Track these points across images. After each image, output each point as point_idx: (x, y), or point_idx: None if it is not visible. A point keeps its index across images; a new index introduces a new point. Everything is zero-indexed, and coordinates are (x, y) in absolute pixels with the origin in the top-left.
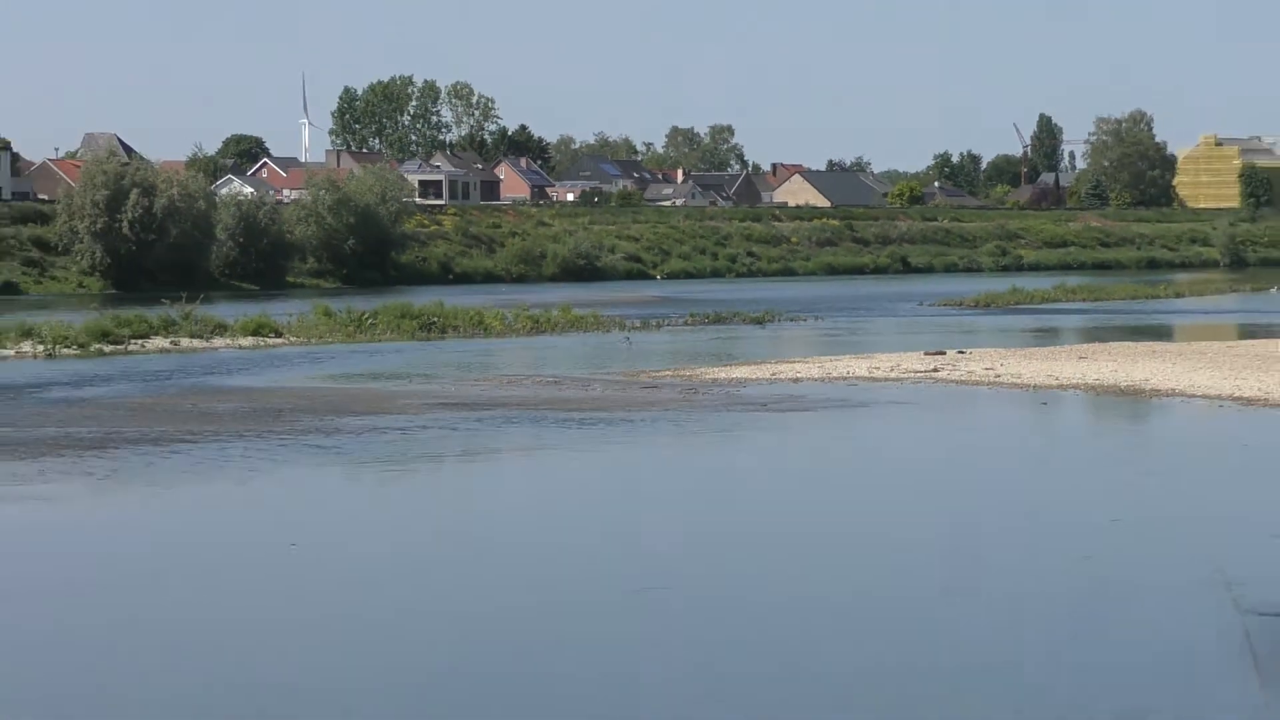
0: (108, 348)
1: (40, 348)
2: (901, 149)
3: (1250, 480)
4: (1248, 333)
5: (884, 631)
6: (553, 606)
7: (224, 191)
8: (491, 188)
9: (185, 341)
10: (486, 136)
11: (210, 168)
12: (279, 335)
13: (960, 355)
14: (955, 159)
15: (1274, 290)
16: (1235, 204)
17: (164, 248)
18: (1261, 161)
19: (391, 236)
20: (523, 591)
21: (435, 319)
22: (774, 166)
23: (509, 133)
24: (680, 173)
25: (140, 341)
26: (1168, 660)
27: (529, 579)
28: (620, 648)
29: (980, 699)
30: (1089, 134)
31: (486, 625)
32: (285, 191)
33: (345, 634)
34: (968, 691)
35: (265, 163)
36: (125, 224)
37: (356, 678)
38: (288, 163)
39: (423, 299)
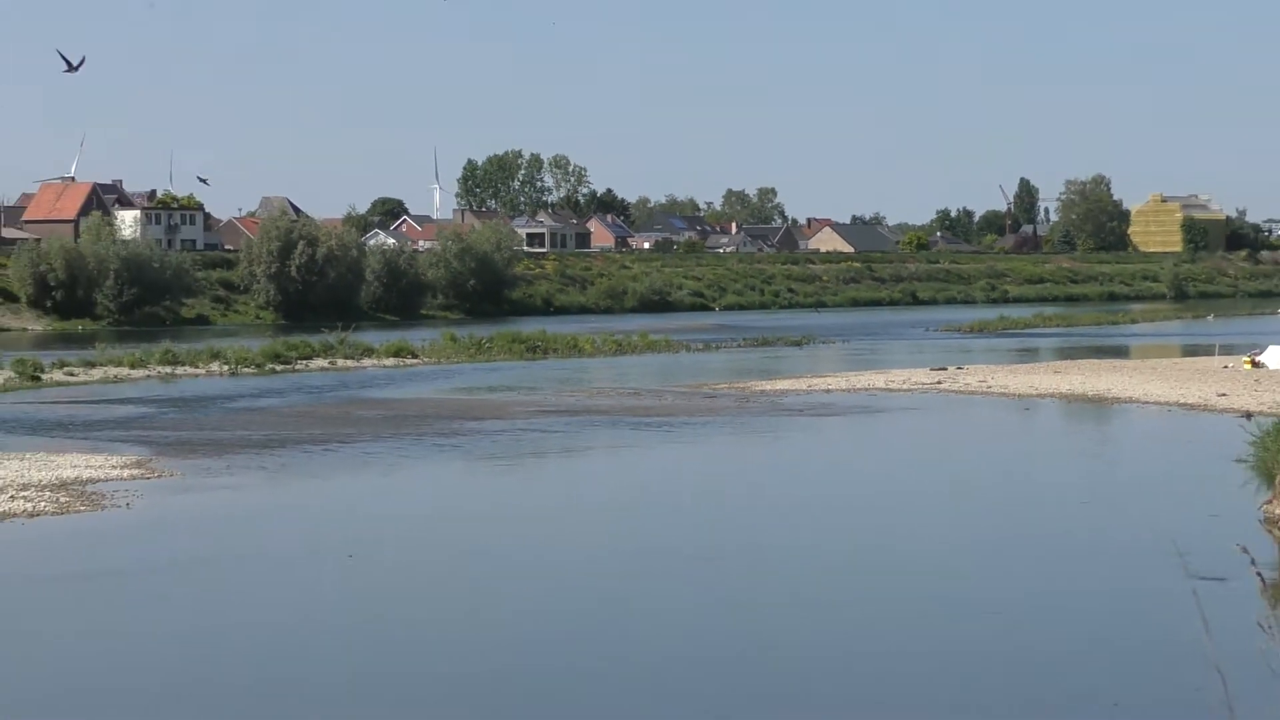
0: (279, 367)
1: (226, 367)
2: (911, 206)
3: (1194, 469)
4: (1190, 351)
5: (899, 563)
6: (636, 565)
7: (372, 242)
8: (584, 238)
9: (341, 362)
10: (580, 197)
11: (361, 224)
12: (415, 356)
13: (959, 370)
14: (953, 213)
15: (1210, 318)
16: (1178, 249)
17: (324, 287)
18: (1199, 214)
19: (505, 277)
20: (616, 553)
21: (539, 343)
22: (809, 220)
23: (598, 194)
24: (734, 225)
25: (305, 362)
26: (1124, 615)
27: (622, 544)
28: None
29: (980, 625)
30: (1060, 193)
31: (608, 570)
32: (420, 242)
33: (486, 588)
34: (962, 618)
35: (405, 219)
36: (293, 268)
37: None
38: (422, 219)
39: (529, 327)
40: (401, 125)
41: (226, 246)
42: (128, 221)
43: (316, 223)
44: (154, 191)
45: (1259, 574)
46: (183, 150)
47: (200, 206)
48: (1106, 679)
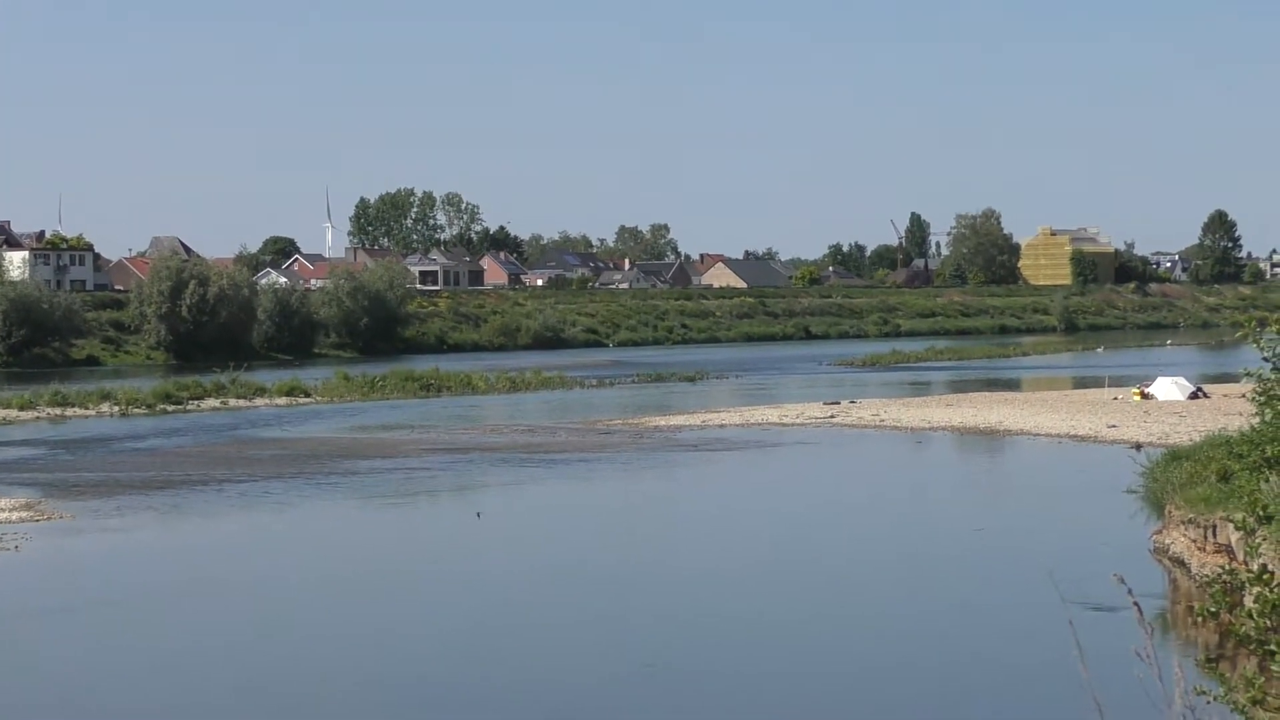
0: (170, 407)
1: (116, 408)
2: (803, 241)
3: (1085, 500)
4: (1080, 384)
5: (788, 595)
6: (519, 603)
7: (264, 281)
8: (477, 276)
9: (233, 401)
10: (473, 235)
11: (253, 263)
12: (308, 395)
13: (852, 404)
14: (845, 248)
15: (1100, 350)
16: (1068, 281)
17: (215, 327)
18: (1088, 247)
19: (398, 315)
20: (498, 594)
21: (433, 381)
22: (701, 256)
23: (491, 231)
24: (627, 262)
25: (196, 402)
26: (1006, 644)
27: (502, 585)
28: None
29: (868, 655)
30: (951, 227)
31: (478, 606)
32: (313, 281)
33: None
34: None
35: (296, 258)
36: (184, 308)
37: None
38: (315, 258)
39: (423, 365)
40: (293, 164)
41: (117, 287)
42: (15, 262)
43: (208, 262)
44: (42, 232)
45: (1136, 604)
46: (71, 190)
47: (90, 247)
48: (983, 707)
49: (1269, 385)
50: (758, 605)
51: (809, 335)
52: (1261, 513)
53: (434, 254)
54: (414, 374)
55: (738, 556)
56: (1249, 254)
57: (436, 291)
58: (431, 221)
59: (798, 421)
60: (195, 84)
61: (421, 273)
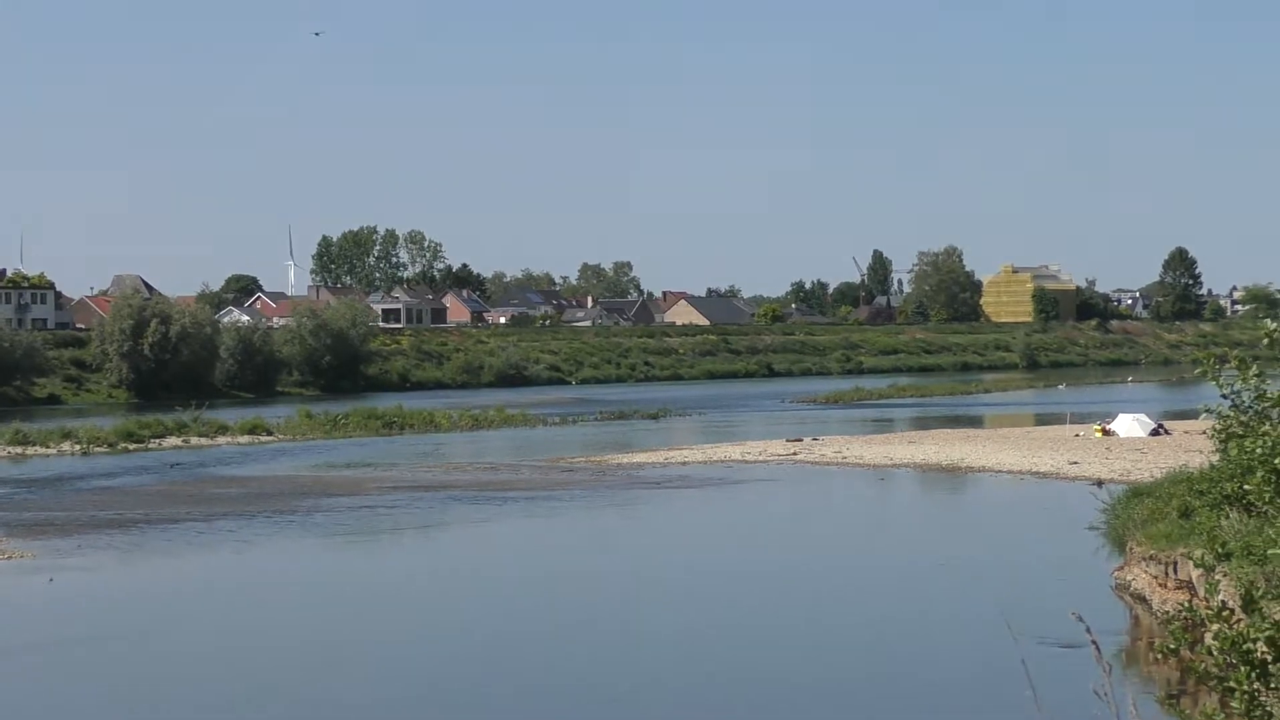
0: (132, 445)
1: (78, 446)
2: (765, 278)
3: (1047, 537)
4: (1042, 420)
5: (748, 629)
6: (484, 634)
7: (226, 319)
8: (440, 314)
9: (195, 440)
10: (435, 273)
11: (215, 301)
12: (270, 434)
13: (815, 441)
14: (808, 286)
15: (1061, 387)
16: (1030, 318)
17: (177, 365)
18: (1050, 285)
19: (360, 353)
20: (462, 626)
21: (396, 419)
22: (664, 294)
23: (454, 269)
24: (590, 299)
25: (158, 440)
26: (965, 683)
27: (468, 616)
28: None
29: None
30: (913, 264)
31: (456, 642)
32: (275, 319)
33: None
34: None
35: (259, 296)
36: (146, 346)
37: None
38: (277, 296)
39: (386, 403)
40: (255, 202)
41: (78, 325)
42: None
43: (170, 300)
44: (3, 270)
45: (1094, 641)
46: (33, 228)
47: (51, 285)
48: None
49: (1228, 423)
50: (714, 642)
51: (772, 372)
52: (1221, 549)
53: (397, 292)
54: (377, 412)
55: (697, 595)
56: (1209, 291)
57: (399, 329)
58: (394, 259)
59: (760, 459)
60: (158, 120)
61: (384, 311)
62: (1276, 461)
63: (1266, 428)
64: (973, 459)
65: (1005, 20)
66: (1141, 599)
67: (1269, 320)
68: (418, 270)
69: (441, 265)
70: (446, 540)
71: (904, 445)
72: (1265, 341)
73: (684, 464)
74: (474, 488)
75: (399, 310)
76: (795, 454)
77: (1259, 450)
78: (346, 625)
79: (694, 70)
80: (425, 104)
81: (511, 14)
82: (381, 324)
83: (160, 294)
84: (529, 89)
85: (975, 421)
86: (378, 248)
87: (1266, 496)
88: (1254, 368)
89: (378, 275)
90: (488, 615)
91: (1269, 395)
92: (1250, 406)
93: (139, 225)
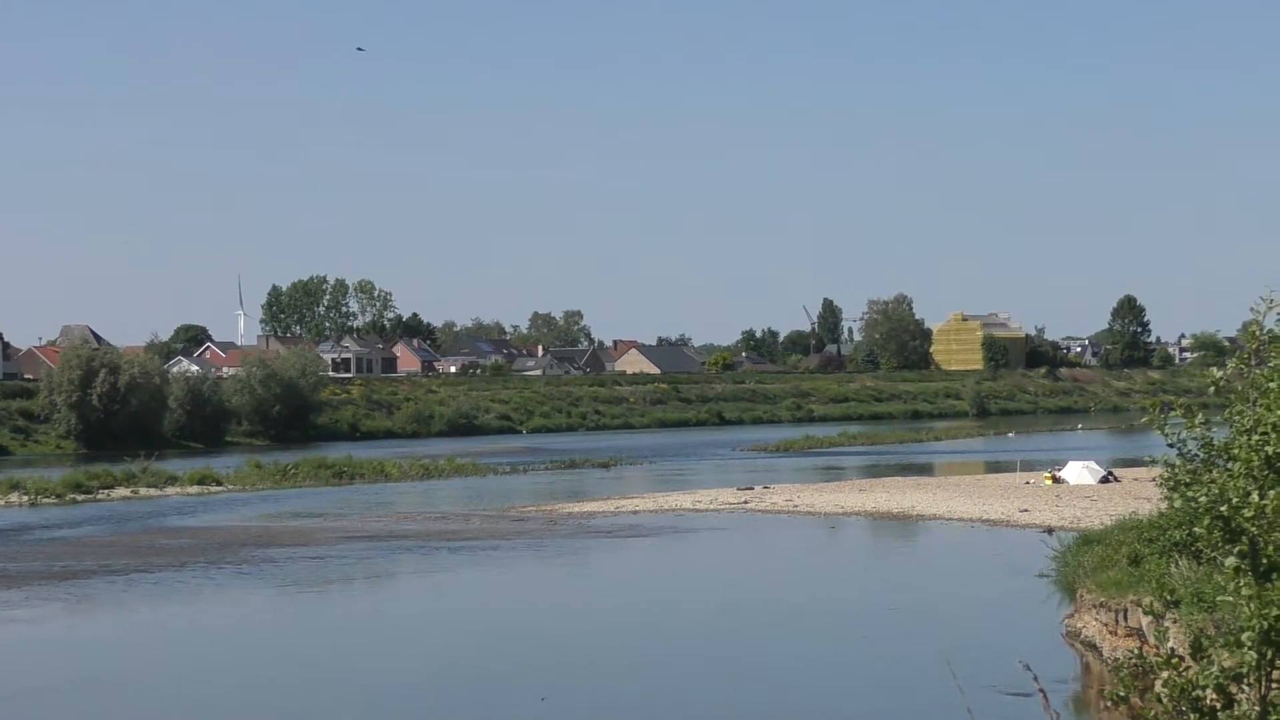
0: (80, 496)
1: (25, 497)
2: (716, 327)
3: (998, 584)
4: (992, 468)
5: (693, 675)
6: (429, 682)
7: (175, 370)
8: (390, 363)
9: (144, 490)
10: (385, 322)
11: (164, 351)
12: (219, 484)
13: (766, 490)
14: (758, 334)
15: (1011, 435)
16: (979, 366)
17: (126, 415)
18: (999, 333)
19: (310, 403)
20: (408, 674)
21: (345, 468)
22: (615, 342)
23: (404, 319)
24: (540, 348)
25: (107, 491)
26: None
27: (415, 665)
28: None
29: None
30: (863, 313)
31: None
32: (224, 369)
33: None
34: None
35: (208, 346)
36: (95, 397)
37: None
38: (227, 346)
39: (336, 453)
40: (205, 252)
41: (26, 376)
42: None
43: (118, 351)
44: None
45: (1041, 690)
46: None
47: None
48: None
49: (1175, 471)
50: (659, 689)
51: (722, 421)
52: (1170, 597)
53: (347, 341)
54: (326, 461)
55: (645, 638)
56: (1158, 339)
57: (349, 379)
58: (344, 309)
59: (711, 507)
60: (105, 170)
61: (334, 360)
62: (1223, 509)
63: (1212, 475)
64: (923, 507)
65: (953, 72)
66: (1092, 646)
67: (1215, 369)
68: (368, 320)
69: (392, 315)
70: (396, 590)
71: (855, 493)
72: (1212, 389)
73: (635, 513)
74: (424, 537)
75: (349, 360)
76: (746, 502)
77: (1204, 498)
78: (294, 677)
79: (644, 119)
80: (375, 154)
81: (459, 64)
82: (331, 373)
83: (109, 344)
84: (479, 137)
85: (926, 469)
86: (328, 297)
87: (1214, 544)
88: (1199, 415)
89: (328, 325)
90: (433, 664)
91: (1214, 443)
92: (1196, 454)
93: (88, 275)
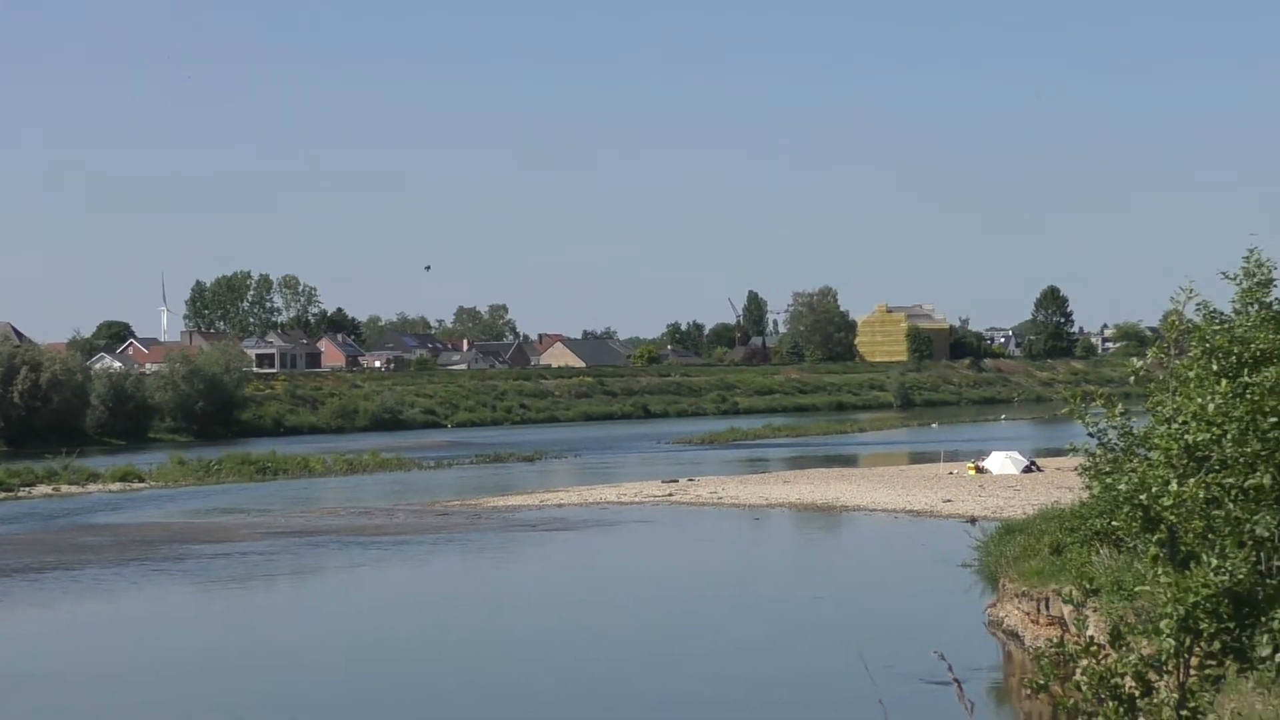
0: (1, 494)
1: None
2: (641, 320)
3: (921, 574)
4: (916, 459)
5: (617, 664)
6: (349, 675)
7: (97, 366)
8: (315, 358)
9: (65, 488)
10: (310, 317)
11: (86, 347)
12: (142, 481)
13: (690, 482)
14: (684, 327)
15: (934, 425)
16: (904, 358)
17: (48, 413)
18: (924, 324)
19: (234, 399)
20: (330, 668)
21: (269, 464)
22: (540, 336)
23: (328, 314)
24: (465, 343)
25: (28, 489)
26: (824, 709)
27: (337, 659)
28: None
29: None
30: (788, 305)
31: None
32: (148, 365)
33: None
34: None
35: (131, 342)
36: (16, 394)
37: None
38: (149, 342)
39: (260, 448)
40: (127, 247)
41: None
42: None
43: (40, 348)
44: None
45: (956, 680)
46: None
47: None
48: None
49: (1096, 460)
50: (579, 680)
51: (648, 414)
52: (1089, 585)
53: (271, 337)
54: (250, 457)
55: (566, 630)
56: (1080, 329)
57: (273, 374)
58: (268, 304)
59: (636, 500)
60: (25, 166)
61: (258, 355)
62: (1142, 497)
63: (1133, 464)
64: (848, 498)
65: (873, 67)
66: (1014, 635)
67: (1135, 359)
68: (292, 315)
69: (316, 310)
70: (319, 586)
71: (779, 485)
72: (1132, 378)
73: (560, 506)
74: (348, 532)
75: (273, 355)
76: (671, 495)
77: (1123, 487)
78: (215, 673)
79: (569, 112)
80: (298, 148)
81: (383, 57)
82: (255, 369)
83: (30, 341)
84: (404, 133)
85: (850, 460)
86: (252, 292)
87: (1133, 532)
88: (1120, 406)
89: (252, 320)
90: (354, 658)
91: (1134, 433)
92: (1116, 444)
93: (8, 272)
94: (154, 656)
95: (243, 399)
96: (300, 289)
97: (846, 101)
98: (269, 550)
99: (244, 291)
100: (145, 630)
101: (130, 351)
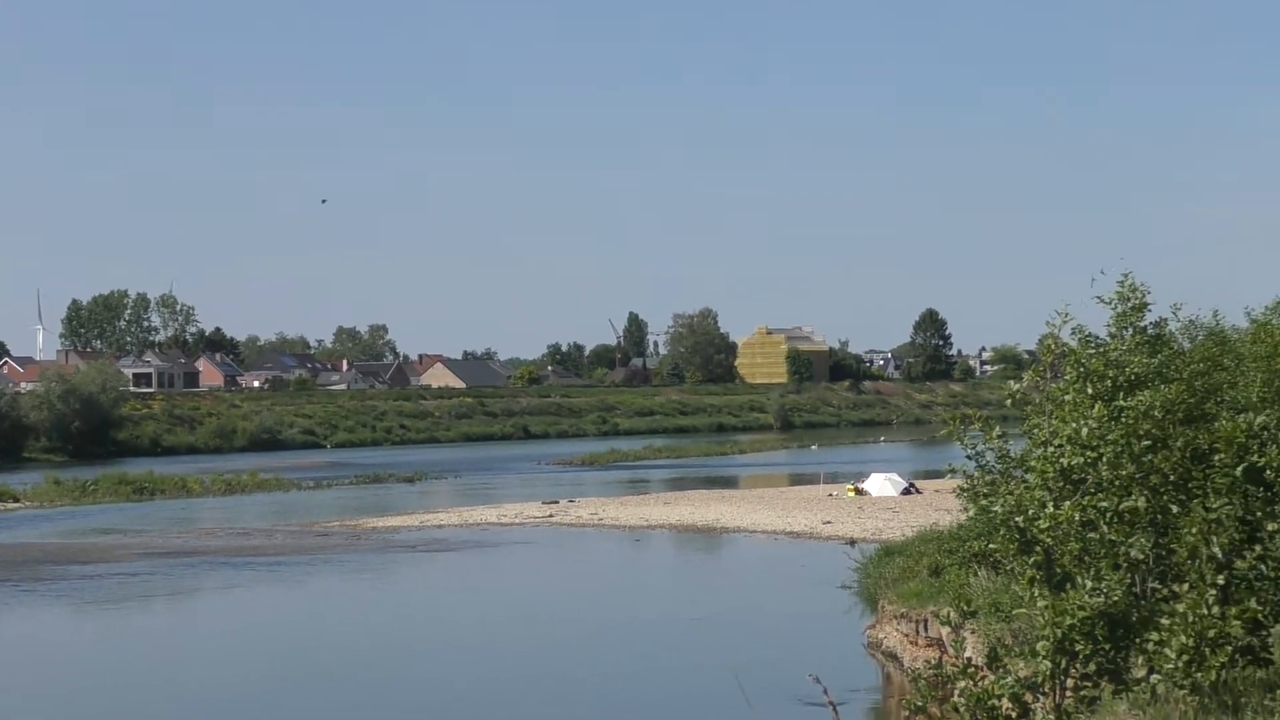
0: None
1: None
2: (522, 341)
3: (800, 596)
4: (796, 480)
5: (487, 688)
6: (230, 699)
7: None
8: (193, 378)
9: None
10: (188, 337)
11: None
12: (17, 500)
13: (571, 503)
14: (564, 348)
15: (814, 447)
16: (784, 379)
17: None
18: (803, 346)
19: (111, 418)
20: (203, 688)
21: (147, 484)
22: (420, 356)
23: (206, 333)
24: (345, 363)
25: None
26: None
27: (214, 681)
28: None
29: None
30: (668, 327)
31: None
32: (23, 384)
33: None
34: None
35: (6, 361)
36: None
37: None
38: (25, 361)
39: (137, 468)
40: (2, 265)
41: None
42: None
43: None
44: None
45: (832, 703)
46: None
47: None
48: None
49: (974, 482)
50: (456, 702)
51: (528, 435)
52: (967, 607)
53: (148, 356)
54: (128, 477)
55: (442, 652)
56: (959, 351)
57: (151, 394)
58: (146, 323)
59: (516, 521)
60: None
61: (135, 375)
62: (1019, 520)
63: (1009, 487)
64: (728, 519)
65: (753, 91)
66: (893, 656)
67: (1012, 381)
68: (170, 334)
69: (194, 329)
70: (196, 607)
71: (659, 506)
72: (1009, 401)
73: (440, 527)
74: (226, 553)
75: (150, 374)
76: (551, 516)
77: (1000, 509)
78: (88, 693)
79: (451, 132)
80: (179, 165)
81: (267, 73)
82: (133, 388)
83: None
84: (282, 149)
85: (730, 482)
86: (129, 311)
87: (1010, 554)
88: (996, 429)
89: (129, 339)
90: (229, 677)
91: (1010, 455)
92: (994, 466)
93: None
94: (23, 679)
95: (119, 418)
96: (178, 308)
97: (723, 123)
98: (145, 571)
99: (121, 310)
100: (14, 653)
101: (5, 370)
